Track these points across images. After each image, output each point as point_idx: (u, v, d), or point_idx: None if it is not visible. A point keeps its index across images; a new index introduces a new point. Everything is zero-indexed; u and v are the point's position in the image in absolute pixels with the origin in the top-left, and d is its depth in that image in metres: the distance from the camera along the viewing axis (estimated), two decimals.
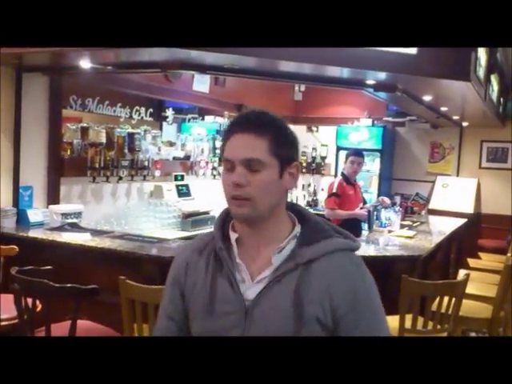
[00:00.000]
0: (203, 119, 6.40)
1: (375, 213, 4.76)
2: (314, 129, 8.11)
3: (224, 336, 1.22)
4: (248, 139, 1.21)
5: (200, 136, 5.96)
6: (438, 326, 2.89)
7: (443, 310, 2.91)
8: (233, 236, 1.27)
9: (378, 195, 6.45)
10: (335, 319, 1.19)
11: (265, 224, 1.24)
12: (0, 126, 3.82)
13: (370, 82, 3.79)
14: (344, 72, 3.63)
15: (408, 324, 2.81)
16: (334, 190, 4.88)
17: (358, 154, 5.02)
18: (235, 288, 1.23)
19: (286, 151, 1.25)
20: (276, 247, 1.24)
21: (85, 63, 3.58)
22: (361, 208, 4.87)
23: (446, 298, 2.92)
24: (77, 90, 4.53)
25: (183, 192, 5.37)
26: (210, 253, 1.30)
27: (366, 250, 3.76)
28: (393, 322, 2.89)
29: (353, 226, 4.78)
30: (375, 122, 7.35)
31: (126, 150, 4.64)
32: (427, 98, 4.71)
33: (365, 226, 4.96)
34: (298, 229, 1.28)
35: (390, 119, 7.44)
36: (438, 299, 2.93)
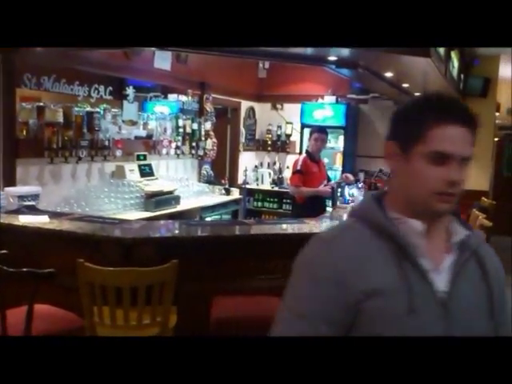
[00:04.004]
0: (166, 97, 6.28)
1: (339, 190, 4.79)
2: (279, 106, 8.09)
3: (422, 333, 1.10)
4: (468, 134, 1.11)
5: (162, 115, 5.86)
6: None
7: None
8: (417, 225, 1.15)
9: (343, 172, 6.50)
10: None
11: None
12: None
13: (332, 58, 3.78)
14: (307, 48, 3.60)
15: None
16: (299, 168, 4.89)
17: (321, 131, 5.02)
18: (427, 279, 1.11)
19: None
20: (449, 235, 1.18)
21: None
22: (325, 185, 4.89)
23: None
24: (31, 68, 4.36)
25: (146, 172, 5.28)
26: (382, 243, 1.14)
27: (329, 226, 3.78)
28: None
29: (317, 203, 4.82)
30: (339, 99, 7.37)
31: (85, 130, 4.52)
32: (389, 74, 4.73)
33: (329, 202, 5.00)
34: (453, 217, 1.22)
35: (353, 96, 7.46)
36: None
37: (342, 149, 7.33)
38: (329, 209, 4.87)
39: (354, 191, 4.79)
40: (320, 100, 7.43)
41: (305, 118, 7.41)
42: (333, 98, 7.34)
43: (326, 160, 5.70)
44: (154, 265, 2.50)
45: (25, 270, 2.33)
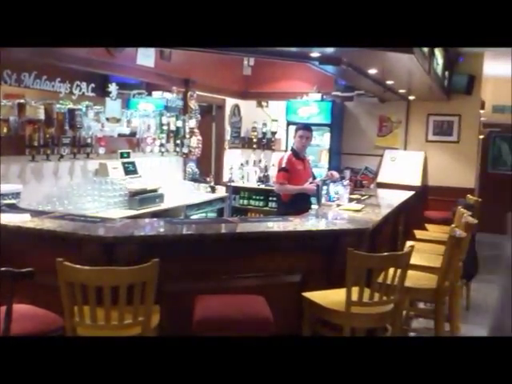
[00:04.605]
0: (150, 95, 6.22)
1: (324, 187, 4.77)
2: (264, 104, 8.06)
3: None
4: None
5: (146, 112, 5.81)
6: (384, 298, 2.92)
7: (389, 282, 2.94)
8: None
9: (328, 169, 6.49)
10: None
11: None
12: None
13: (315, 54, 3.75)
14: None
15: (355, 296, 2.83)
16: (284, 165, 4.87)
17: (305, 128, 5.00)
18: None
19: None
20: None
21: None
22: (310, 183, 4.88)
23: (391, 270, 2.96)
24: (11, 64, 4.28)
25: (130, 169, 5.23)
26: None
27: (314, 224, 3.76)
28: (340, 294, 2.91)
29: (302, 201, 4.80)
30: (324, 96, 7.36)
31: (67, 127, 4.45)
32: (372, 71, 4.72)
33: (314, 200, 4.98)
34: None
35: (338, 93, 7.46)
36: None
37: (327, 146, 7.32)
38: (314, 206, 4.85)
39: (340, 189, 4.77)
40: (305, 97, 7.41)
41: (290, 115, 7.39)
42: (318, 96, 7.33)
43: (311, 157, 5.69)
44: (136, 264, 2.46)
45: (3, 269, 2.28)
